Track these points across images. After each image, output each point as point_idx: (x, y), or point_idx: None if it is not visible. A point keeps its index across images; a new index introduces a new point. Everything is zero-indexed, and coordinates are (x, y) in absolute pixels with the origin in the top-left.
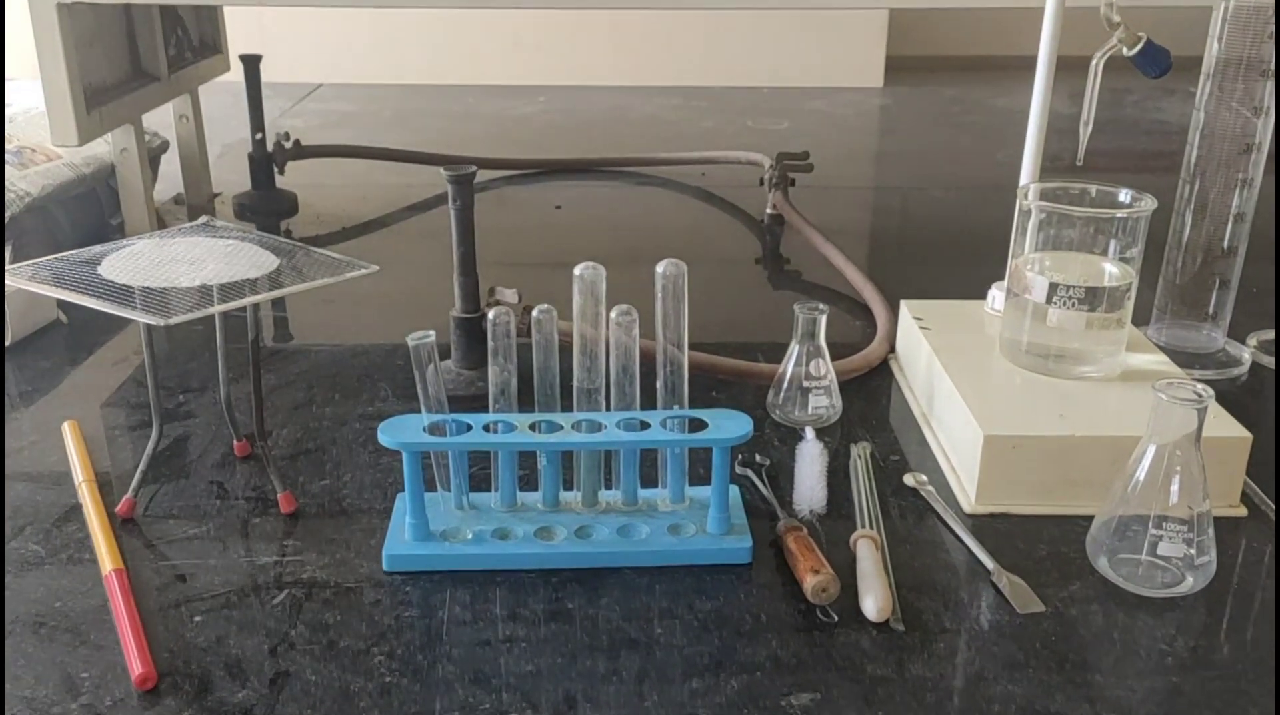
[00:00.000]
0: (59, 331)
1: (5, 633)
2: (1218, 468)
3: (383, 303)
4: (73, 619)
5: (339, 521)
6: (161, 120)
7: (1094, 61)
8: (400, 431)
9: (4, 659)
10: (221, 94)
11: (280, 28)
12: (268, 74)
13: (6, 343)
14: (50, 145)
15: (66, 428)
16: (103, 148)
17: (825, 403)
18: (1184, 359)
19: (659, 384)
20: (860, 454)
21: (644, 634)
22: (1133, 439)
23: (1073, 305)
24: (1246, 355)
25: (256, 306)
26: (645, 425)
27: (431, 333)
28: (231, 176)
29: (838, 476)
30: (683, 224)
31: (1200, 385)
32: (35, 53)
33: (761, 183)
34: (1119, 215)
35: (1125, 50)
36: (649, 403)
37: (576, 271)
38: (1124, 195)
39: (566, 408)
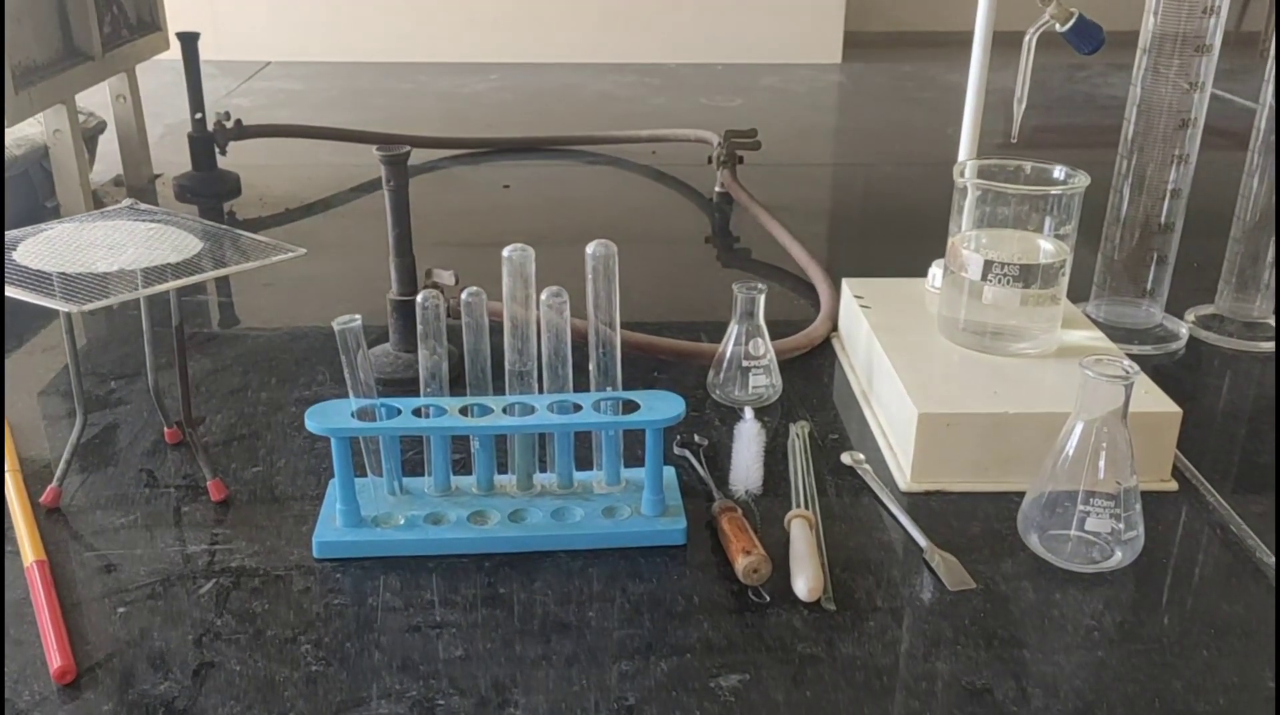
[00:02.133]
0: None
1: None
2: (1148, 443)
3: (323, 285)
4: None
5: (270, 509)
6: (99, 99)
7: (1027, 38)
8: (328, 417)
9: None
10: (166, 73)
11: (231, 4)
12: (218, 52)
13: None
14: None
15: None
16: (35, 128)
17: (765, 382)
18: (1122, 335)
19: (591, 366)
20: (799, 433)
21: (576, 618)
22: (1065, 416)
23: (1008, 282)
24: (1184, 330)
25: (181, 292)
26: (578, 408)
27: (358, 317)
28: (174, 157)
29: (776, 456)
30: (632, 203)
31: (1128, 361)
32: None
33: (710, 160)
34: (1053, 192)
35: (1058, 26)
36: (583, 385)
37: (505, 253)
38: (1058, 172)
39: (499, 390)
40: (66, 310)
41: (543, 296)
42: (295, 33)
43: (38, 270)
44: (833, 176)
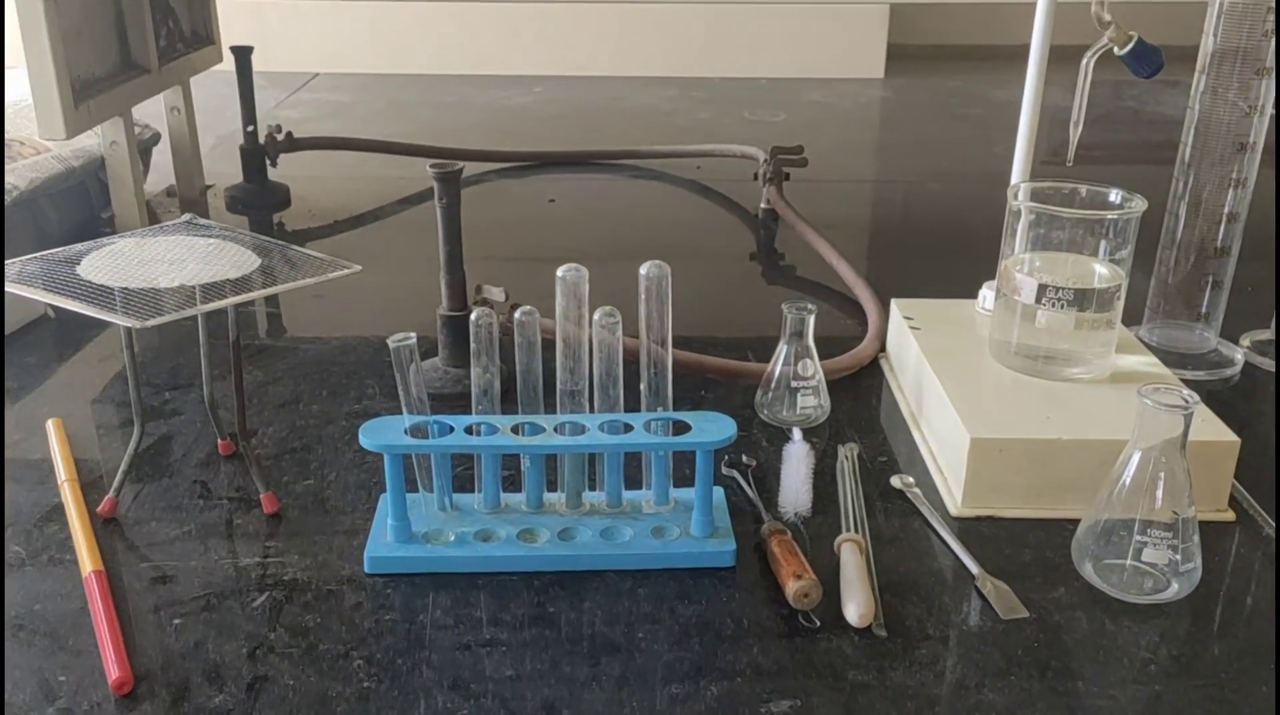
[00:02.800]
0: (46, 327)
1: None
2: (1205, 472)
3: (372, 298)
4: (51, 622)
5: (322, 522)
6: (153, 111)
7: (1084, 61)
8: (382, 434)
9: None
10: (216, 84)
11: (279, 16)
12: (266, 63)
13: None
14: (38, 138)
15: (51, 425)
16: (92, 140)
17: (814, 403)
18: (1176, 360)
19: (643, 386)
20: (847, 455)
21: (625, 639)
22: (1120, 442)
23: (1062, 306)
24: (1239, 356)
25: (237, 306)
26: (629, 428)
27: (413, 334)
28: (225, 168)
29: (824, 478)
30: (677, 218)
31: (1187, 391)
32: (21, 44)
33: (755, 177)
34: (1109, 216)
35: (1116, 50)
36: (633, 404)
37: (559, 273)
38: (1114, 196)
39: (550, 408)
40: (129, 325)
41: (596, 316)
42: (342, 45)
43: (101, 285)
44: (878, 193)
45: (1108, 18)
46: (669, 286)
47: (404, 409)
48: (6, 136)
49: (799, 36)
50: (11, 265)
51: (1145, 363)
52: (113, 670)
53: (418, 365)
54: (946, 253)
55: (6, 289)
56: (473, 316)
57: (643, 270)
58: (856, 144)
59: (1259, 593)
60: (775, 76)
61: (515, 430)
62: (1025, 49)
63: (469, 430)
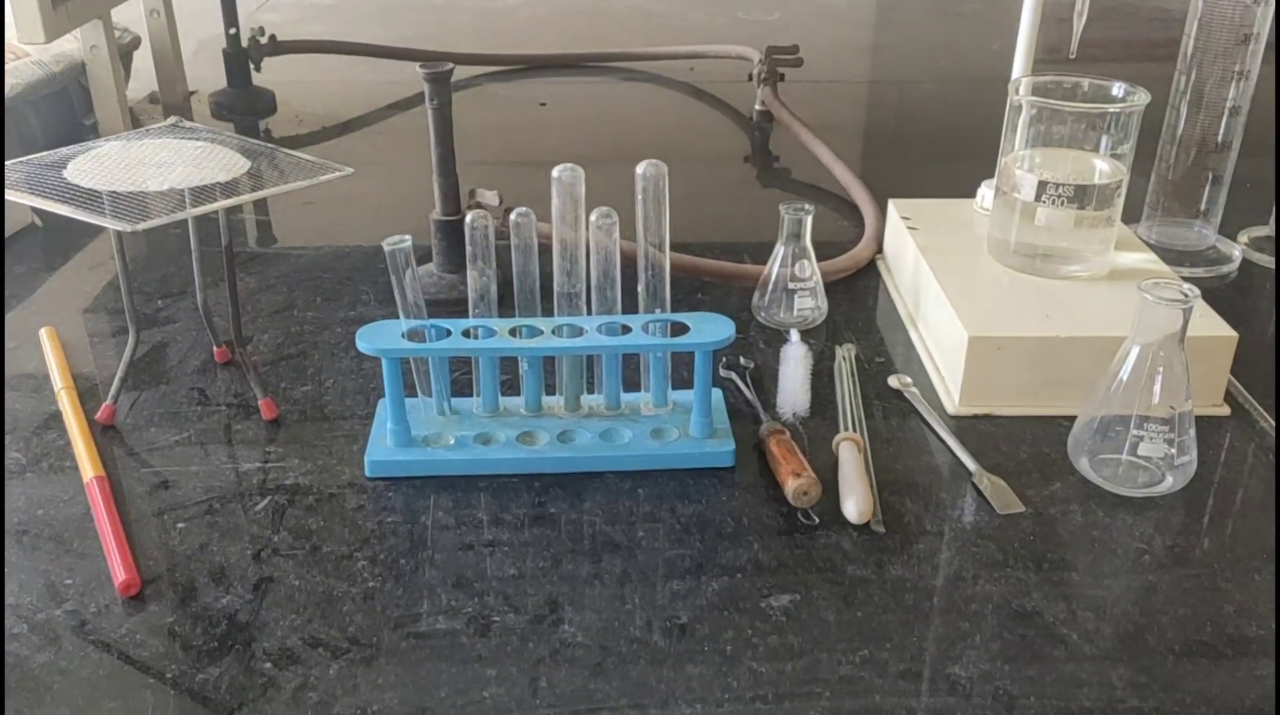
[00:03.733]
0: (34, 235)
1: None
2: (1202, 367)
3: (364, 204)
4: (55, 527)
5: (321, 427)
6: (132, 15)
7: None
8: (379, 337)
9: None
10: None
11: None
12: None
13: None
14: (17, 43)
15: (44, 334)
16: (72, 45)
17: (811, 305)
18: (1174, 257)
19: (640, 287)
20: (845, 356)
21: (626, 538)
22: (1118, 339)
23: (1062, 203)
24: (1237, 252)
25: (228, 211)
26: (626, 329)
27: (408, 237)
28: (208, 73)
29: (822, 379)
30: (670, 121)
31: (1186, 285)
32: None
33: (750, 78)
34: (1111, 110)
35: None
36: (630, 306)
37: (555, 173)
38: (1117, 89)
39: (547, 311)
40: (120, 229)
41: (592, 217)
42: None
43: (89, 189)
44: (874, 94)
45: None
46: (666, 186)
47: (400, 313)
48: None
49: None
50: None
51: (1144, 260)
52: (119, 573)
53: (413, 269)
54: (944, 153)
55: None
56: (468, 219)
57: (639, 169)
58: (852, 43)
59: (1252, 485)
60: None
61: (513, 333)
62: None
63: (466, 333)
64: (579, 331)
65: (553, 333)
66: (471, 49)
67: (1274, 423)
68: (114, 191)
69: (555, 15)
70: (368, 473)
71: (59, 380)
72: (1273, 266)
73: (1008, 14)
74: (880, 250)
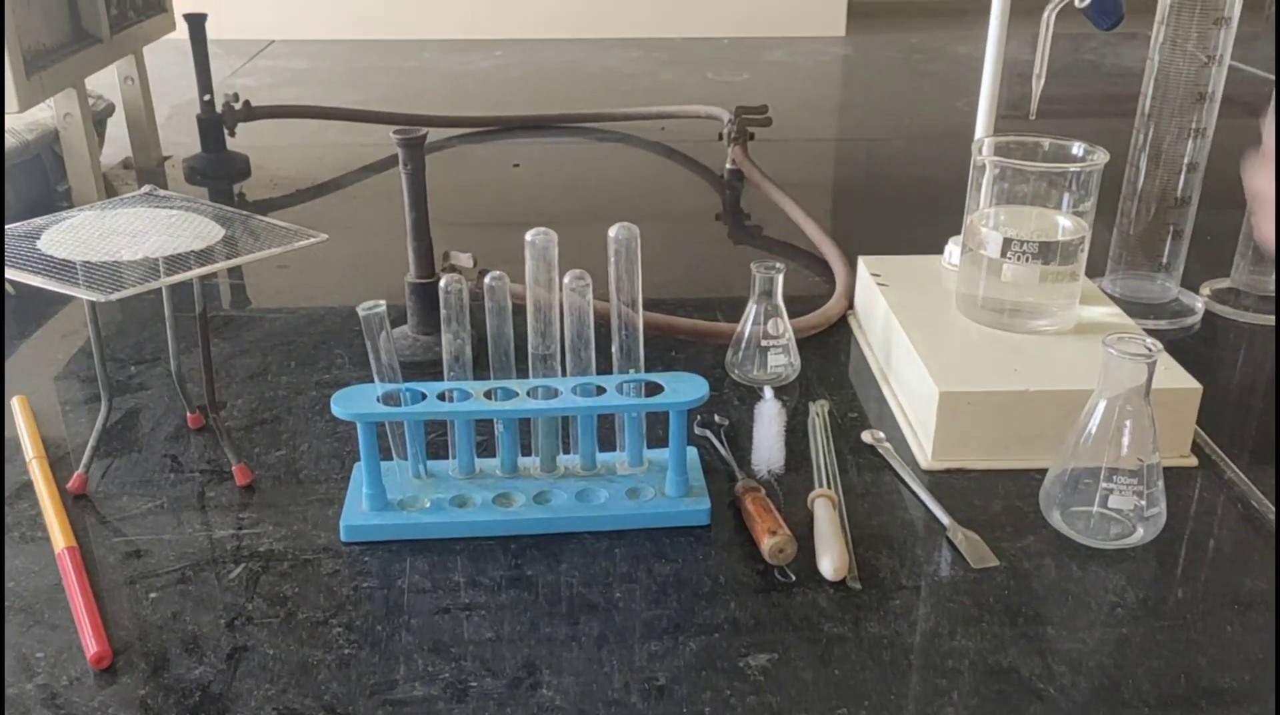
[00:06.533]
0: (6, 303)
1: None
2: (1169, 419)
3: (338, 267)
4: (26, 598)
5: (296, 492)
6: (106, 81)
7: (1045, 14)
8: (354, 402)
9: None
10: (168, 52)
11: None
12: (219, 31)
13: None
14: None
15: (15, 403)
16: (45, 113)
17: (784, 361)
18: (1138, 310)
19: (614, 348)
20: (818, 412)
21: (603, 598)
22: (1086, 393)
23: (1027, 260)
24: (1200, 304)
25: (203, 278)
26: (601, 390)
27: (382, 303)
28: (182, 138)
29: (796, 435)
30: (643, 180)
31: (1150, 339)
32: None
33: (721, 137)
34: (1072, 169)
35: (1077, 2)
36: (605, 366)
37: (528, 237)
38: (1077, 148)
39: (521, 372)
40: (93, 299)
41: (565, 280)
42: (298, 11)
43: (62, 259)
44: (842, 151)
45: None
46: (638, 248)
47: (375, 377)
48: None
49: None
50: None
51: (1109, 313)
52: (90, 645)
53: (388, 333)
54: (911, 209)
55: None
56: (442, 283)
57: (612, 232)
58: (820, 102)
59: (1222, 536)
60: (737, 36)
61: (488, 395)
62: (985, 4)
63: (442, 397)
64: (554, 393)
65: (528, 395)
66: (444, 111)
67: (1276, 505)
68: (88, 261)
69: (527, 77)
70: (343, 537)
71: (30, 449)
72: (1236, 318)
73: (971, 72)
74: (851, 306)
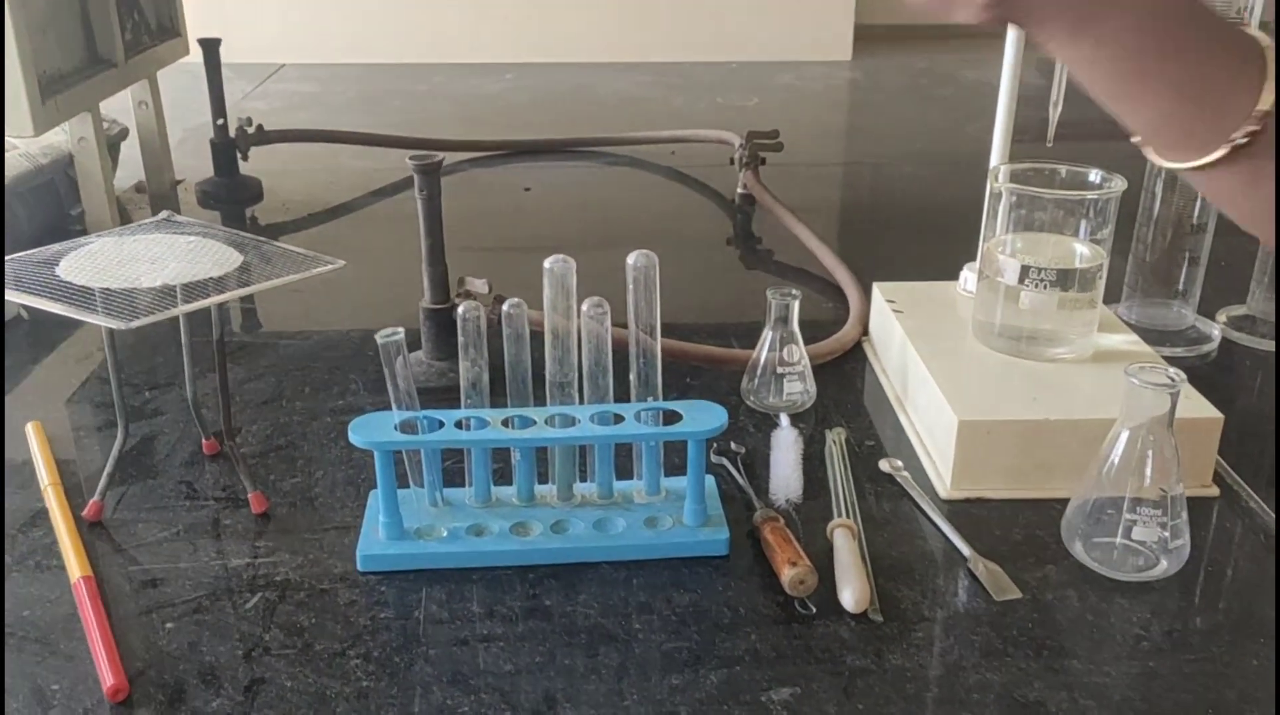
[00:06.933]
0: (20, 328)
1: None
2: (1190, 448)
3: (351, 292)
4: (41, 628)
5: (311, 520)
6: (119, 105)
7: None
8: (371, 431)
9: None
10: (180, 76)
11: (241, 6)
12: (228, 55)
13: None
14: (5, 136)
15: (30, 429)
16: (60, 137)
17: (800, 388)
18: (1154, 337)
19: (632, 376)
20: (835, 440)
21: (622, 629)
22: (1105, 422)
23: (1045, 287)
24: (1216, 332)
25: (221, 305)
26: (619, 418)
27: (400, 330)
28: (193, 162)
29: (813, 463)
30: (654, 205)
31: (1173, 369)
32: None
33: (732, 162)
34: (1089, 197)
35: None
36: (621, 392)
37: (546, 265)
38: (1094, 176)
39: (539, 397)
40: (114, 327)
41: (584, 307)
42: (308, 35)
43: (81, 286)
44: (853, 176)
45: None
46: (657, 275)
47: (393, 405)
48: None
49: (765, 19)
50: None
51: (1127, 341)
52: (107, 678)
53: (405, 359)
54: (924, 234)
55: None
56: (460, 310)
57: (630, 260)
58: (830, 127)
59: (1246, 567)
60: (744, 60)
61: (506, 423)
62: (989, 29)
63: (459, 425)
64: (572, 421)
65: (545, 422)
66: (455, 135)
67: (1277, 512)
68: (107, 288)
69: (537, 101)
70: (360, 567)
71: (45, 476)
72: (1253, 345)
73: (979, 96)
74: (865, 332)
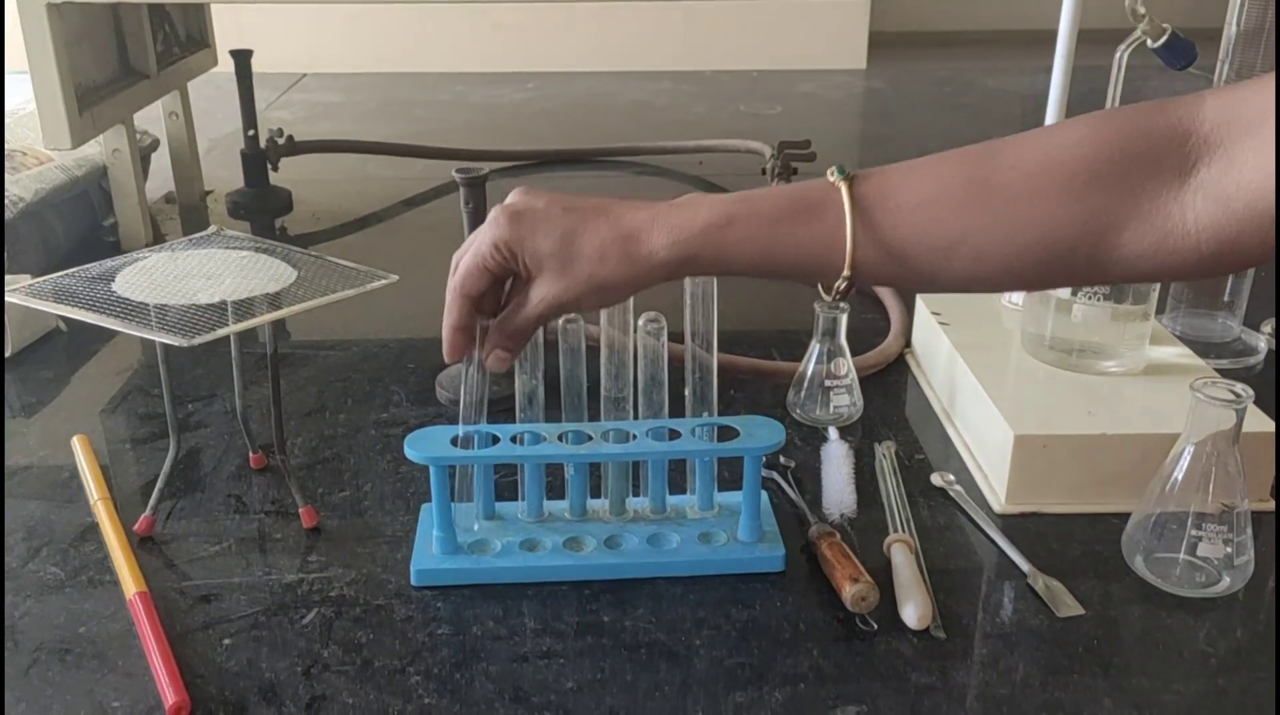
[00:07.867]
0: (58, 340)
1: (30, 660)
2: (1248, 462)
3: (388, 303)
4: (99, 645)
5: (362, 534)
6: (149, 116)
7: (1118, 54)
8: (428, 446)
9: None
10: (205, 85)
11: (258, 17)
12: (252, 65)
13: (6, 353)
14: (41, 148)
15: (76, 443)
16: (94, 148)
17: (847, 401)
18: (1200, 348)
19: (687, 391)
20: (885, 454)
21: (683, 646)
22: (1162, 436)
23: (1098, 299)
24: (1263, 343)
25: (274, 322)
26: (675, 434)
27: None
28: (221, 172)
29: (863, 476)
30: None
31: (1239, 385)
32: (25, 54)
33: (764, 172)
34: None
35: (1150, 42)
36: (675, 406)
37: None
38: None
39: (593, 411)
40: (175, 343)
41: (640, 322)
42: (329, 44)
43: (139, 302)
44: None
45: (1141, 10)
46: (714, 292)
47: (461, 415)
48: (9, 147)
49: (779, 28)
50: (45, 282)
51: (1178, 354)
52: (169, 695)
53: (476, 367)
54: None
55: (47, 309)
56: None
57: (688, 280)
58: (856, 135)
59: None
60: (761, 68)
61: (561, 438)
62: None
63: (514, 439)
64: (627, 436)
65: (601, 437)
66: (478, 144)
67: None
68: (165, 304)
69: (560, 109)
70: (414, 582)
71: (94, 491)
72: None
73: (1004, 105)
74: (909, 344)
